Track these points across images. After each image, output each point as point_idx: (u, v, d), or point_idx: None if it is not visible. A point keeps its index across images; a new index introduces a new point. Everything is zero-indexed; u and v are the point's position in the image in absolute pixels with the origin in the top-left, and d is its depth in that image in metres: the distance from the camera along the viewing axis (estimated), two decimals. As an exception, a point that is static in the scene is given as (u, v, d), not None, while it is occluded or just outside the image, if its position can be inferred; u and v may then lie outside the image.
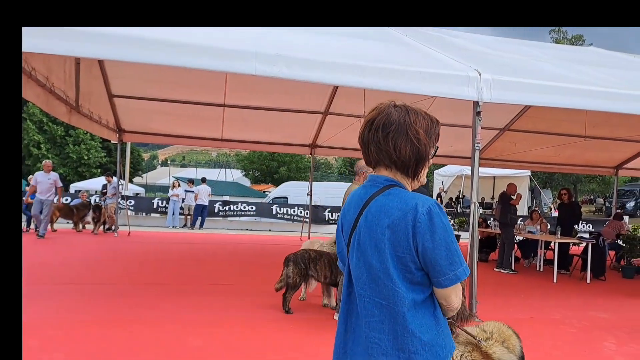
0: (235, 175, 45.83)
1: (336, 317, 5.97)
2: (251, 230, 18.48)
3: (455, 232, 16.70)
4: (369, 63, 5.83)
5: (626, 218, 24.47)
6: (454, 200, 21.39)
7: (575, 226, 11.85)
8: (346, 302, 1.73)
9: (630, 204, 33.16)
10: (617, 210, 13.82)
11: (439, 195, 24.04)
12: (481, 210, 19.02)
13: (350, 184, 6.35)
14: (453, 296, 1.63)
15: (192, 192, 17.91)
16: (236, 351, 4.70)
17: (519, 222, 12.64)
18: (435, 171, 26.82)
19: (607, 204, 32.32)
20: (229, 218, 19.16)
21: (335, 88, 9.78)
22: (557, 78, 6.91)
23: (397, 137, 1.63)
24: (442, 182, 24.22)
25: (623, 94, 6.74)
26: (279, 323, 5.73)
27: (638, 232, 12.02)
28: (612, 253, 11.88)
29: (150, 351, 4.54)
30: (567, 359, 4.98)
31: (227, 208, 19.08)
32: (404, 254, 1.57)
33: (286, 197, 20.80)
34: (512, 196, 10.81)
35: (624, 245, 11.29)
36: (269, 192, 28.21)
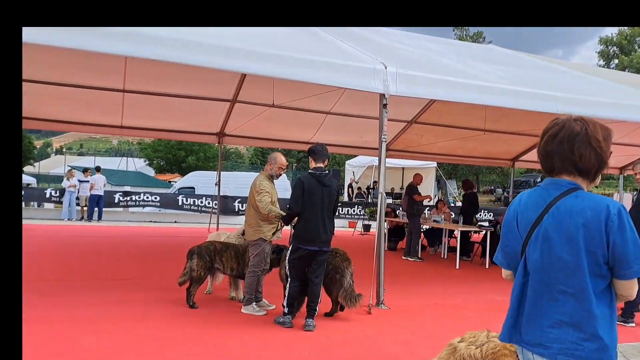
0: (137, 164, 43.84)
1: (244, 310, 5.93)
2: (155, 222, 17.81)
3: (366, 222, 17.26)
4: (276, 51, 5.79)
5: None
6: (364, 190, 22.01)
7: (478, 215, 12.67)
8: (521, 288, 2.01)
9: (525, 194, 36.07)
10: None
11: (350, 186, 24.59)
12: (390, 200, 19.74)
13: (258, 173, 6.30)
14: (634, 287, 1.89)
15: (87, 182, 16.90)
16: (133, 349, 4.51)
17: (426, 211, 13.25)
18: (346, 162, 27.39)
19: (505, 193, 34.84)
20: (130, 209, 18.32)
21: (244, 76, 9.62)
22: (459, 74, 7.31)
23: (582, 148, 1.91)
24: (353, 172, 24.79)
25: (519, 91, 7.27)
26: (183, 318, 5.58)
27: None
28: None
29: (39, 352, 4.23)
30: (466, 341, 5.31)
31: (128, 199, 18.21)
32: (595, 249, 1.83)
33: (193, 188, 20.29)
34: (418, 186, 11.35)
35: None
36: (175, 182, 27.34)
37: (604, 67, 39.38)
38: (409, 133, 13.12)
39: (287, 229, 5.96)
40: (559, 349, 1.88)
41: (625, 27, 42.81)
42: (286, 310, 5.47)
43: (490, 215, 20.89)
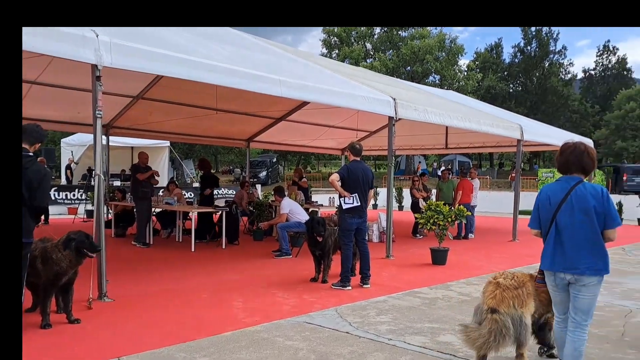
0: None
1: None
2: None
3: (89, 207, 16.01)
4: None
5: (259, 186, 28.33)
6: (85, 171, 20.39)
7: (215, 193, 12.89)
8: (555, 239, 3.75)
9: (262, 174, 38.60)
10: (246, 181, 15.51)
11: (68, 167, 22.43)
12: (118, 183, 18.72)
13: None
14: (615, 235, 3.65)
15: None
16: None
17: (160, 193, 12.96)
18: (62, 140, 24.78)
19: (244, 174, 36.61)
20: None
21: None
22: (188, 51, 7.22)
23: (586, 159, 3.72)
24: (72, 152, 22.65)
25: (247, 73, 7.55)
26: None
27: (268, 199, 13.86)
28: (245, 219, 13.51)
29: None
30: (196, 322, 5.41)
31: None
32: (599, 211, 3.60)
33: None
34: (142, 166, 10.97)
35: (254, 210, 12.98)
36: None
37: (326, 56, 44.45)
38: (136, 109, 12.56)
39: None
40: (585, 268, 3.61)
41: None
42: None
43: (233, 193, 21.61)
